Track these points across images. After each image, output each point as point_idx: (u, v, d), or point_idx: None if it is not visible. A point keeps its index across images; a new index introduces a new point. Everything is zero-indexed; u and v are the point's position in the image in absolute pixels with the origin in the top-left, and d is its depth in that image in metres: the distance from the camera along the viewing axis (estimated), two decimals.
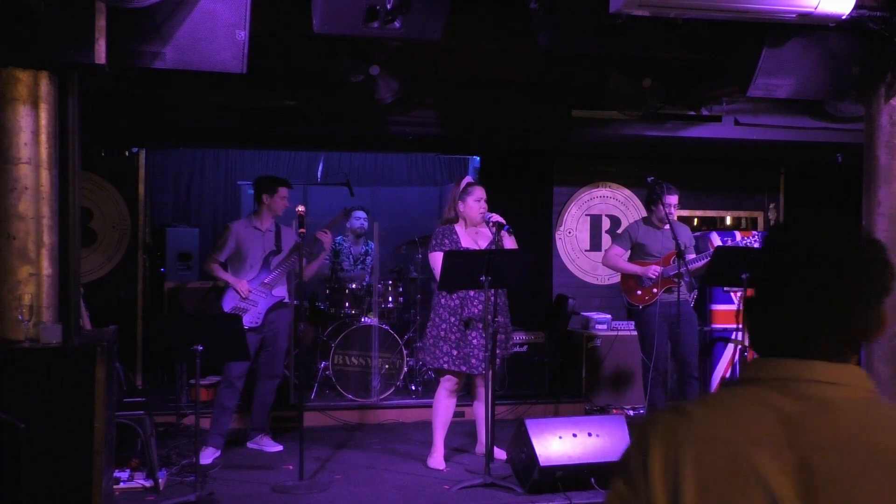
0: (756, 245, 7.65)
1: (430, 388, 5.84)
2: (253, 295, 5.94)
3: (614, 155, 8.28)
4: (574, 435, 5.05)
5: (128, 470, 5.19)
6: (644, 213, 8.25)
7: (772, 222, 8.65)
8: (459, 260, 5.25)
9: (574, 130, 7.07)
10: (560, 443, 4.99)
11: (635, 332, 7.57)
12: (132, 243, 7.68)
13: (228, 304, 5.94)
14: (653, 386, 6.43)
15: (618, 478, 1.28)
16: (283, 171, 9.58)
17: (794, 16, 4.48)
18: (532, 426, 5.03)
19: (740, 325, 7.04)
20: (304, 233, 5.42)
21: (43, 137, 4.28)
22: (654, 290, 6.31)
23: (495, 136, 7.39)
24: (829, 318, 1.25)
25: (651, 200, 6.46)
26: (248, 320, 5.73)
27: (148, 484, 5.07)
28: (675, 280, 6.19)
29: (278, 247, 6.08)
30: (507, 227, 5.41)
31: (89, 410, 4.08)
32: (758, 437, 1.20)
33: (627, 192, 8.38)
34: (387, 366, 7.15)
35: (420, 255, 7.48)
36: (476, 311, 5.52)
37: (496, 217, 5.48)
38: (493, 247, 5.45)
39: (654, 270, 6.28)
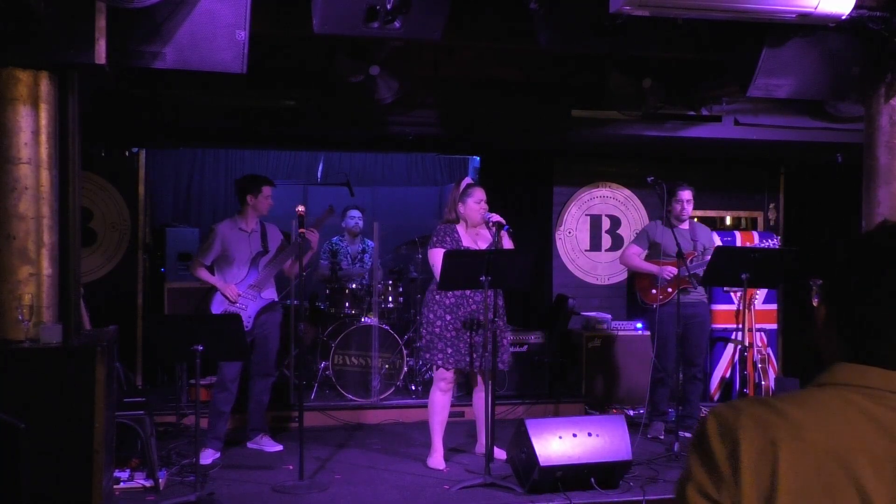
0: (766, 245, 7.64)
1: (429, 388, 5.84)
2: (242, 299, 5.83)
3: (614, 155, 8.27)
4: (574, 435, 5.04)
5: (128, 470, 5.19)
6: (644, 213, 8.30)
7: (771, 222, 8.65)
8: (459, 260, 5.24)
9: (574, 130, 7.07)
10: (560, 443, 4.99)
11: (635, 332, 7.58)
12: (132, 243, 7.67)
13: (217, 308, 5.82)
14: (656, 385, 6.44)
15: (698, 465, 1.20)
16: (283, 171, 9.59)
17: (794, 16, 4.49)
18: (532, 426, 5.02)
19: (740, 325, 7.04)
20: (303, 233, 5.40)
21: (43, 137, 4.28)
22: (669, 289, 6.29)
23: (495, 136, 7.38)
24: None
25: (665, 198, 6.44)
26: None
27: (148, 484, 5.07)
28: (690, 280, 6.18)
29: (265, 247, 5.97)
30: (506, 227, 5.39)
31: (89, 410, 4.09)
32: (860, 447, 1.15)
33: (627, 192, 8.38)
34: (387, 366, 7.14)
35: (420, 255, 7.47)
36: (472, 309, 5.52)
37: (496, 217, 5.46)
38: (493, 248, 5.44)
39: (669, 271, 6.27)
